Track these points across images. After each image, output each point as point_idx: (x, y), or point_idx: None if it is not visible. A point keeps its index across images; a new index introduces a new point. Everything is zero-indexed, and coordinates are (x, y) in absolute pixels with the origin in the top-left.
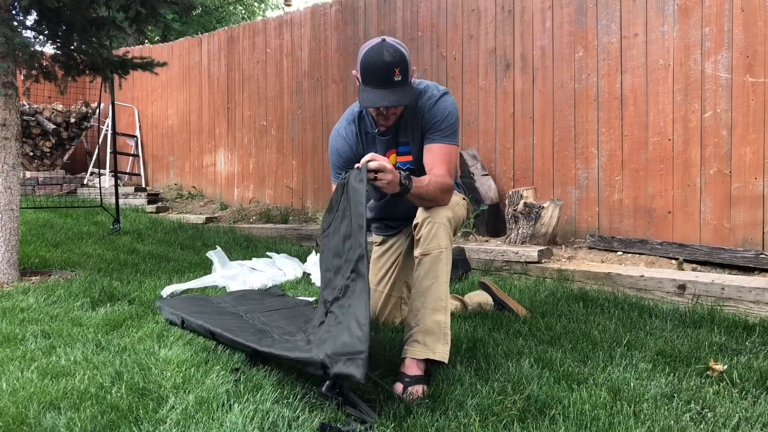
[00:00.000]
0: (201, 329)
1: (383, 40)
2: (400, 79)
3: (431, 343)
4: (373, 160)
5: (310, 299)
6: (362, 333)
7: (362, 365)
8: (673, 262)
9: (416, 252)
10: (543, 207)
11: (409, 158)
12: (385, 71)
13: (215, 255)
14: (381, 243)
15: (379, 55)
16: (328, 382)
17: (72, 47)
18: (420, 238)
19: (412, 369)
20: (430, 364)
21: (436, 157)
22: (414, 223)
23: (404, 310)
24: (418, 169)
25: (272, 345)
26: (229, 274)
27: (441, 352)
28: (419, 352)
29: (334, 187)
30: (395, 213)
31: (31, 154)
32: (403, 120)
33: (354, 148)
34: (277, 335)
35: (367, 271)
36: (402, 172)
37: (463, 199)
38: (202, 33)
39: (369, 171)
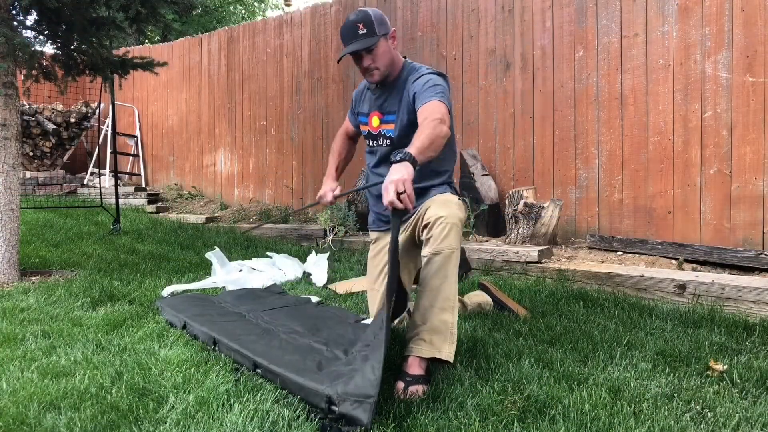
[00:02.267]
0: (204, 336)
1: (355, 9)
2: (364, 32)
3: (438, 342)
4: (391, 203)
5: (314, 299)
6: (374, 377)
7: (370, 410)
8: (673, 262)
9: (426, 251)
10: (543, 207)
11: (392, 126)
12: (350, 29)
13: (214, 256)
14: (376, 240)
15: (347, 19)
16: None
17: (72, 47)
18: (431, 237)
19: (414, 368)
20: (431, 364)
21: (424, 111)
22: (425, 222)
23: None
24: (398, 138)
25: (282, 357)
26: (230, 278)
27: (447, 351)
28: (425, 351)
29: (346, 122)
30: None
31: (31, 154)
32: (396, 89)
33: (359, 97)
34: (284, 334)
35: (388, 326)
36: (400, 155)
37: (459, 199)
38: (202, 33)
39: (394, 206)
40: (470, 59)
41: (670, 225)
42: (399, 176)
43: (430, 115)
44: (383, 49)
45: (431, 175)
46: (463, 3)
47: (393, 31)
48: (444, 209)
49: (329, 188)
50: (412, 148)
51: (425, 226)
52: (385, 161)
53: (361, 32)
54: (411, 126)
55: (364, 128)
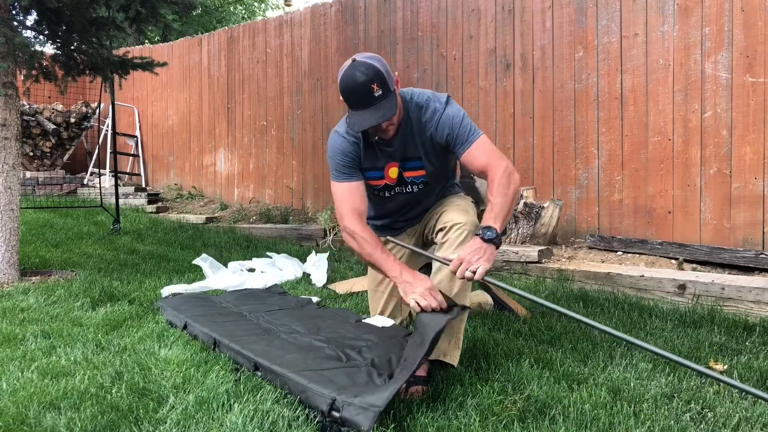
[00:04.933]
0: (205, 336)
1: (354, 60)
2: (380, 93)
3: (443, 345)
4: (462, 268)
5: (314, 299)
6: (387, 393)
7: (372, 418)
8: (673, 262)
9: (439, 254)
10: (543, 207)
11: (422, 172)
12: (362, 91)
13: (203, 261)
14: (384, 243)
15: (353, 77)
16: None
17: (72, 47)
18: (446, 241)
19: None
20: (432, 365)
21: (479, 157)
22: (441, 226)
23: (405, 311)
24: (432, 180)
25: (283, 356)
26: (230, 279)
27: (452, 355)
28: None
29: (337, 186)
30: (405, 217)
31: (31, 154)
32: (409, 134)
33: (354, 155)
34: (285, 334)
35: (408, 365)
36: (489, 233)
37: (472, 201)
38: (202, 33)
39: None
40: (470, 59)
41: (670, 225)
42: (481, 260)
43: (495, 169)
44: (397, 102)
45: (442, 178)
46: (463, 3)
47: (396, 76)
48: (462, 215)
49: (426, 286)
50: (497, 224)
51: (441, 230)
52: (415, 204)
53: (377, 94)
54: (441, 167)
55: (376, 183)
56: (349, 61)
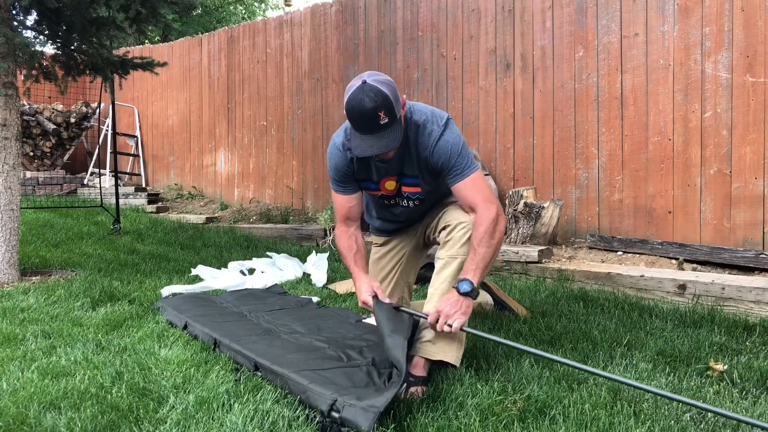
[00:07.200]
0: (205, 336)
1: (363, 82)
2: (386, 121)
3: (446, 345)
4: (441, 321)
5: (314, 299)
6: (386, 398)
7: (372, 419)
8: (674, 261)
9: (442, 253)
10: (543, 207)
11: (418, 189)
12: (368, 117)
13: (201, 271)
14: (383, 244)
15: (360, 102)
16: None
17: (72, 47)
18: (450, 240)
19: (418, 369)
20: (433, 365)
21: (471, 195)
22: (444, 224)
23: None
24: (428, 197)
25: (283, 356)
26: (231, 283)
27: (455, 355)
28: (434, 353)
29: (333, 194)
30: (407, 219)
31: (32, 154)
32: (406, 152)
33: (350, 166)
34: (285, 334)
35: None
36: (465, 286)
37: None
38: (202, 33)
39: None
40: (470, 59)
41: (670, 225)
42: (458, 314)
43: (484, 212)
44: (401, 130)
45: (440, 196)
46: (463, 3)
47: (404, 99)
48: (465, 215)
49: (366, 291)
50: (475, 277)
51: (444, 228)
52: (415, 211)
53: (383, 122)
54: (438, 185)
55: (373, 193)
56: (358, 82)
